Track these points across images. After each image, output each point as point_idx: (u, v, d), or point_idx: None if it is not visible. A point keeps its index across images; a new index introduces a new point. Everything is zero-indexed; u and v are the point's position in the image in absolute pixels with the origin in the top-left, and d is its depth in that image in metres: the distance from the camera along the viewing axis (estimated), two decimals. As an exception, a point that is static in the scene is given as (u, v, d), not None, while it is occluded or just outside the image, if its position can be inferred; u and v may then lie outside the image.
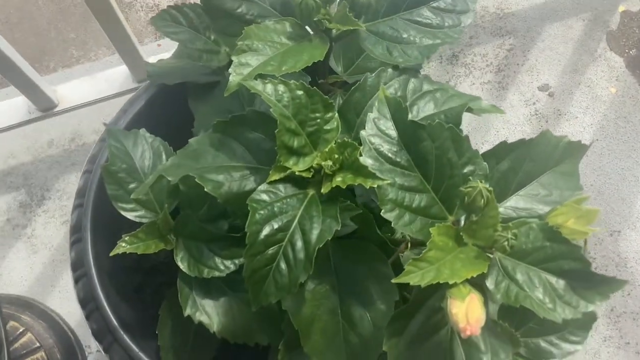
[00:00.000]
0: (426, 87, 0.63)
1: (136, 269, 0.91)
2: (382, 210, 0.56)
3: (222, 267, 0.68)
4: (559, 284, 0.55)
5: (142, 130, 0.76)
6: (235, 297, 0.72)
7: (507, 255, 0.56)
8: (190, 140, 0.64)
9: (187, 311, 0.70)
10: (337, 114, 0.59)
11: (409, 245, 0.69)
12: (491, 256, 0.57)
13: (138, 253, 0.68)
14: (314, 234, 0.56)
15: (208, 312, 0.71)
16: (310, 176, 0.58)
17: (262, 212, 0.57)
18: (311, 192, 0.60)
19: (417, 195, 0.58)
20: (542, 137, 0.64)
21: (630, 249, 1.43)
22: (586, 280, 0.54)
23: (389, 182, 0.54)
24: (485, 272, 0.54)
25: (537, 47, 1.59)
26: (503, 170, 0.64)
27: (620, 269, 1.42)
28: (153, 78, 0.85)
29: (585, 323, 0.70)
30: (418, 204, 0.58)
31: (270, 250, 0.57)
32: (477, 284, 0.61)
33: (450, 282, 0.52)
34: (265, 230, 0.57)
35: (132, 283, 0.90)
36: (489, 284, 0.56)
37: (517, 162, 0.64)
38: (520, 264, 0.56)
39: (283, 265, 0.57)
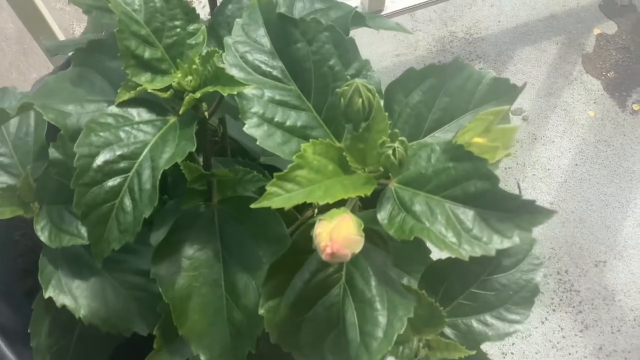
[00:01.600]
0: (318, 5, 0.54)
1: (31, 271, 0.79)
2: (245, 125, 0.45)
3: (85, 234, 0.56)
4: (467, 215, 0.43)
5: (12, 87, 0.66)
6: (111, 279, 0.61)
7: (404, 184, 0.45)
8: (47, 79, 0.54)
9: (49, 292, 0.59)
10: (203, 27, 0.49)
11: (316, 211, 0.58)
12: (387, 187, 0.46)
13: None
14: (164, 157, 0.46)
15: (74, 295, 0.59)
16: (167, 96, 0.48)
17: (102, 134, 0.46)
18: (172, 119, 0.49)
19: (294, 112, 0.47)
20: (458, 68, 0.54)
21: (618, 281, 1.31)
22: (501, 208, 0.43)
23: (252, 87, 0.44)
24: (369, 194, 0.43)
25: (508, 71, 1.51)
26: (413, 104, 0.53)
27: (608, 302, 1.29)
28: (50, 51, 0.76)
29: (525, 298, 0.57)
30: (294, 122, 0.47)
31: (111, 182, 0.46)
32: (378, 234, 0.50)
33: (321, 203, 0.41)
34: (104, 156, 0.46)
35: (23, 287, 0.78)
36: (381, 217, 0.44)
37: (430, 95, 0.53)
38: (419, 193, 0.45)
39: (127, 202, 0.46)
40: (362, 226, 0.42)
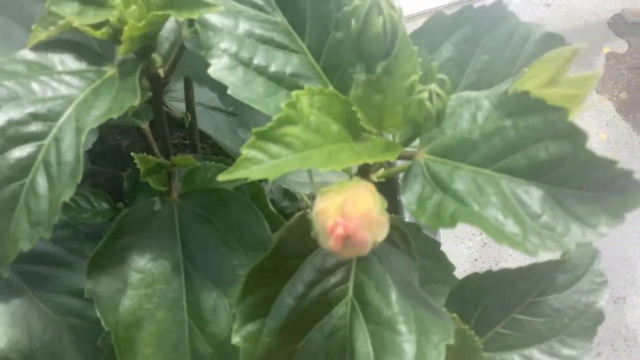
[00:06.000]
0: None
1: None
2: (211, 66, 0.32)
3: (1, 238, 0.42)
4: (532, 194, 0.30)
5: None
6: (37, 300, 0.46)
7: (440, 154, 0.32)
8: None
9: (-48, 317, 0.44)
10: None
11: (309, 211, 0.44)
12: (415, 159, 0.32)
13: None
14: (93, 115, 0.31)
15: (-12, 321, 0.44)
16: (101, 35, 0.34)
17: (6, 83, 0.32)
18: (110, 70, 0.35)
19: (282, 53, 0.33)
20: (500, 16, 0.41)
21: (640, 319, 1.18)
22: (583, 183, 0.29)
23: (221, 9, 0.30)
24: (393, 159, 0.29)
25: (513, 91, 1.40)
26: (441, 62, 0.40)
27: (630, 343, 1.16)
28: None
29: (585, 327, 0.44)
30: (281, 68, 0.33)
31: (18, 152, 0.32)
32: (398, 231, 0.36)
33: (323, 170, 0.27)
34: (7, 113, 0.32)
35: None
36: (408, 200, 0.31)
37: (463, 51, 0.40)
38: (461, 166, 0.31)
39: (41, 180, 0.32)
40: (386, 205, 0.28)
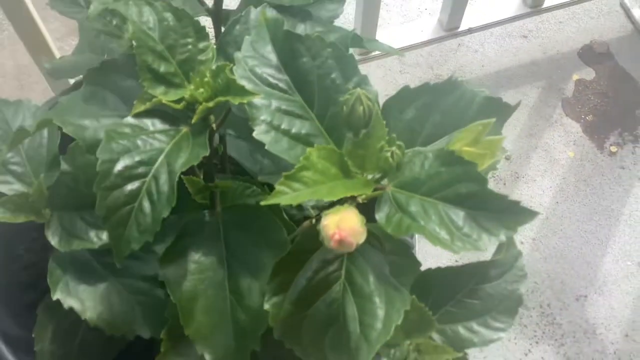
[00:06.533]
0: (318, 28, 0.59)
1: (33, 284, 0.82)
2: (255, 131, 0.50)
3: (94, 239, 0.59)
4: (458, 215, 0.47)
5: (26, 100, 0.70)
6: (117, 284, 0.64)
7: (400, 188, 0.49)
8: (61, 98, 0.58)
9: (56, 295, 0.61)
10: (213, 45, 0.54)
11: (313, 221, 0.62)
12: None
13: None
14: (179, 162, 0.49)
15: (81, 298, 0.62)
16: (180, 107, 0.52)
17: (121, 142, 0.50)
18: (184, 129, 0.53)
19: (299, 121, 0.51)
20: (451, 87, 0.58)
21: (599, 315, 1.34)
22: (488, 208, 0.47)
23: (261, 96, 0.48)
24: (368, 193, 0.47)
25: (492, 112, 1.56)
26: (407, 120, 0.57)
27: (589, 335, 1.32)
28: (54, 74, 0.80)
29: (509, 307, 0.61)
30: (299, 130, 0.51)
31: (130, 186, 0.50)
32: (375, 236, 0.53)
33: (326, 200, 0.45)
34: (124, 162, 0.50)
35: (26, 299, 0.81)
36: (380, 217, 0.48)
37: (422, 112, 0.57)
38: (414, 196, 0.49)
39: (146, 204, 0.50)
40: (365, 221, 0.46)
